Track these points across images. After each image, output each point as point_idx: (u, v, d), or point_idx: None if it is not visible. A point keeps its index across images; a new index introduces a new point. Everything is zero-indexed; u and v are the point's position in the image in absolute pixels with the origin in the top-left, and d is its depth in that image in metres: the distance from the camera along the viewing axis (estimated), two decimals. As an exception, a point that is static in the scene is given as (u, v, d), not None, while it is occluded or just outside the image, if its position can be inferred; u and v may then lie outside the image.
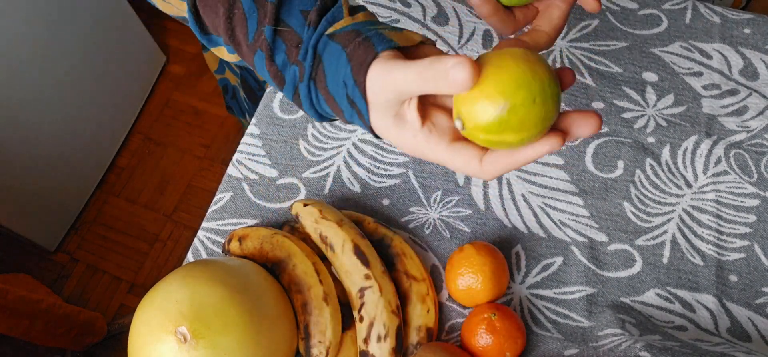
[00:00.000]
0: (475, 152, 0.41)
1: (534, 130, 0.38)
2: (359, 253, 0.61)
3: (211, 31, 0.48)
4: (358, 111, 0.42)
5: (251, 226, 0.69)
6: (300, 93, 0.44)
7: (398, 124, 0.41)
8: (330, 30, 0.43)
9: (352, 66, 0.41)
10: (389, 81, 0.39)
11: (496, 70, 0.37)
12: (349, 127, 0.74)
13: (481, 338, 0.58)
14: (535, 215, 0.69)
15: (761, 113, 0.74)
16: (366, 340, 0.58)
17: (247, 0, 0.44)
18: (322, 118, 0.46)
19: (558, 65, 0.78)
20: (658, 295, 0.65)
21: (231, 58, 0.51)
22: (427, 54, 0.43)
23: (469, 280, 0.61)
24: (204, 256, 0.68)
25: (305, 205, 0.65)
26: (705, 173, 0.71)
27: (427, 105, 0.43)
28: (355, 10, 0.45)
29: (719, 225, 0.68)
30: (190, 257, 0.68)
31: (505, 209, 0.69)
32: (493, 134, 0.38)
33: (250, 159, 0.73)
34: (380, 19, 0.80)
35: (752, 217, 0.68)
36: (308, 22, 0.43)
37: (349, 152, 0.72)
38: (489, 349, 0.58)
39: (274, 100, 0.77)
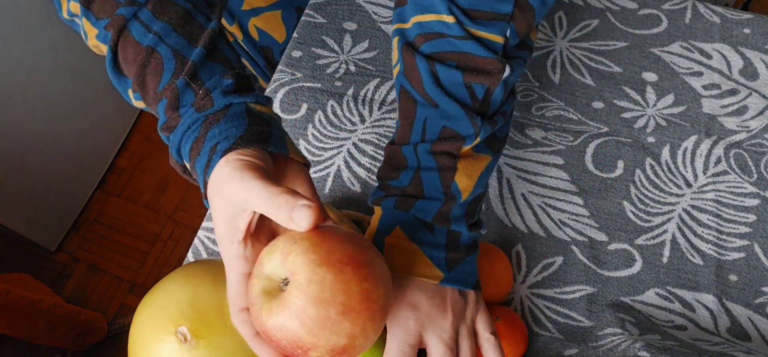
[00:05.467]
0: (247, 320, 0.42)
1: None
2: (359, 252, 0.60)
3: (125, 74, 0.49)
4: (209, 161, 0.42)
5: (251, 225, 0.69)
6: (183, 122, 0.45)
7: (230, 212, 0.41)
8: (252, 103, 0.45)
9: (242, 134, 0.42)
10: (243, 185, 0.39)
11: None
12: (350, 127, 0.74)
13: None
14: (535, 215, 0.69)
15: (761, 113, 0.74)
16: (366, 340, 0.58)
17: (167, 52, 0.46)
18: (178, 154, 0.46)
19: (558, 65, 0.78)
20: (657, 294, 0.65)
21: (137, 104, 0.52)
22: (296, 177, 0.45)
23: None
24: (204, 255, 0.68)
25: (305, 204, 0.65)
26: (705, 173, 0.71)
27: (263, 227, 0.43)
28: (275, 113, 0.48)
29: (719, 225, 0.68)
30: (190, 257, 0.68)
31: (505, 209, 0.69)
32: None
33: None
34: (380, 20, 0.80)
35: (752, 217, 0.68)
36: (231, 83, 0.45)
37: (349, 152, 0.72)
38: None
39: (275, 99, 0.77)
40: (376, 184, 0.57)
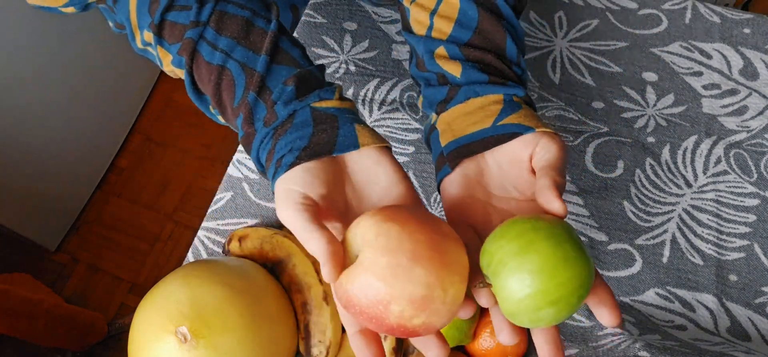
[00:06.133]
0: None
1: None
2: (359, 252, 0.61)
3: (204, 93, 0.51)
4: (275, 174, 0.44)
5: (251, 226, 0.69)
6: (257, 136, 0.47)
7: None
8: (316, 103, 0.46)
9: (306, 146, 0.44)
10: (281, 216, 0.42)
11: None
12: (349, 127, 0.74)
13: (485, 341, 0.58)
14: (535, 215, 0.69)
15: (761, 113, 0.74)
16: (366, 340, 0.58)
17: (236, 68, 0.47)
18: (261, 166, 0.48)
19: (558, 65, 0.78)
20: (657, 294, 0.65)
21: (220, 120, 0.53)
22: (374, 165, 0.45)
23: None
24: (204, 256, 0.68)
25: (305, 205, 0.65)
26: (705, 173, 0.71)
27: (331, 208, 0.44)
28: (343, 98, 0.48)
29: (719, 224, 0.68)
30: (190, 257, 0.68)
31: (505, 209, 0.69)
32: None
33: (250, 159, 0.73)
34: (380, 20, 0.80)
35: (752, 217, 0.68)
36: (292, 91, 0.46)
37: (349, 152, 0.72)
38: (491, 352, 0.58)
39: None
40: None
